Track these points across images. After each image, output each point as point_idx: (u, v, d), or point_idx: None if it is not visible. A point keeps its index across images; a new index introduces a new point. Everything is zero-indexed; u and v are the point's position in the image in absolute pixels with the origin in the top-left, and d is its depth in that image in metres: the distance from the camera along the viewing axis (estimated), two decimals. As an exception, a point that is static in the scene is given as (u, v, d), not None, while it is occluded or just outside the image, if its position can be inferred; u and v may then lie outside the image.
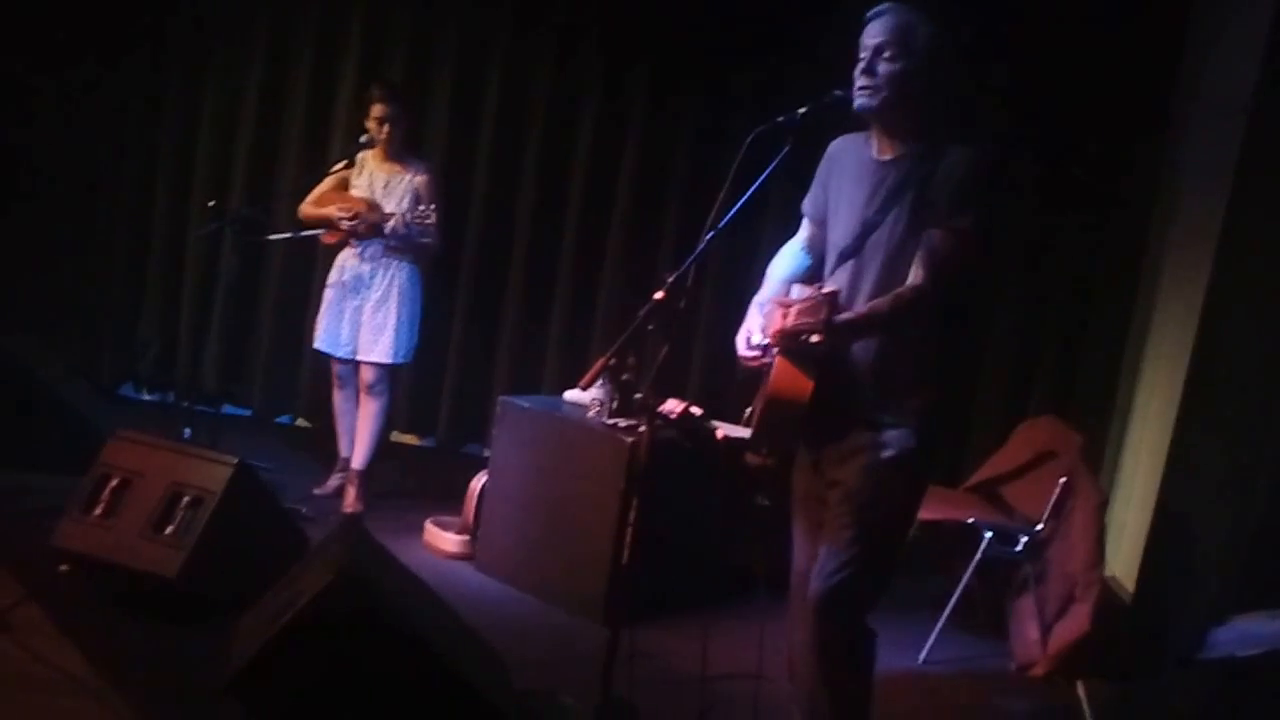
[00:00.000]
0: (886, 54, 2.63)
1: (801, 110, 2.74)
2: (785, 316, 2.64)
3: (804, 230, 3.01)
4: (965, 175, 2.58)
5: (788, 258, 3.01)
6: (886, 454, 2.67)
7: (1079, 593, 4.04)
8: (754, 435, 2.88)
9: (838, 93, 2.74)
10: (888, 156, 2.71)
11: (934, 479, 2.82)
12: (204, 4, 6.05)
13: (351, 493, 4.97)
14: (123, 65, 6.07)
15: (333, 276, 5.02)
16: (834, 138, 2.90)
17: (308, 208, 5.02)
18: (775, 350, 2.67)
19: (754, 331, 2.80)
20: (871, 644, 2.79)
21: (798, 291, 2.79)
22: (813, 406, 2.64)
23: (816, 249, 2.95)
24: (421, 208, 4.78)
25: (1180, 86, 5.28)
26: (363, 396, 5.00)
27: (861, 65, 2.66)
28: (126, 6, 5.96)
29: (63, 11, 5.87)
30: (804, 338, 2.59)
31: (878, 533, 2.69)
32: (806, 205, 2.98)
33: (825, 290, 2.67)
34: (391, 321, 4.90)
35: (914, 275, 2.61)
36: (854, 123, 2.77)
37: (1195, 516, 4.14)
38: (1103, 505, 4.20)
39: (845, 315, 2.64)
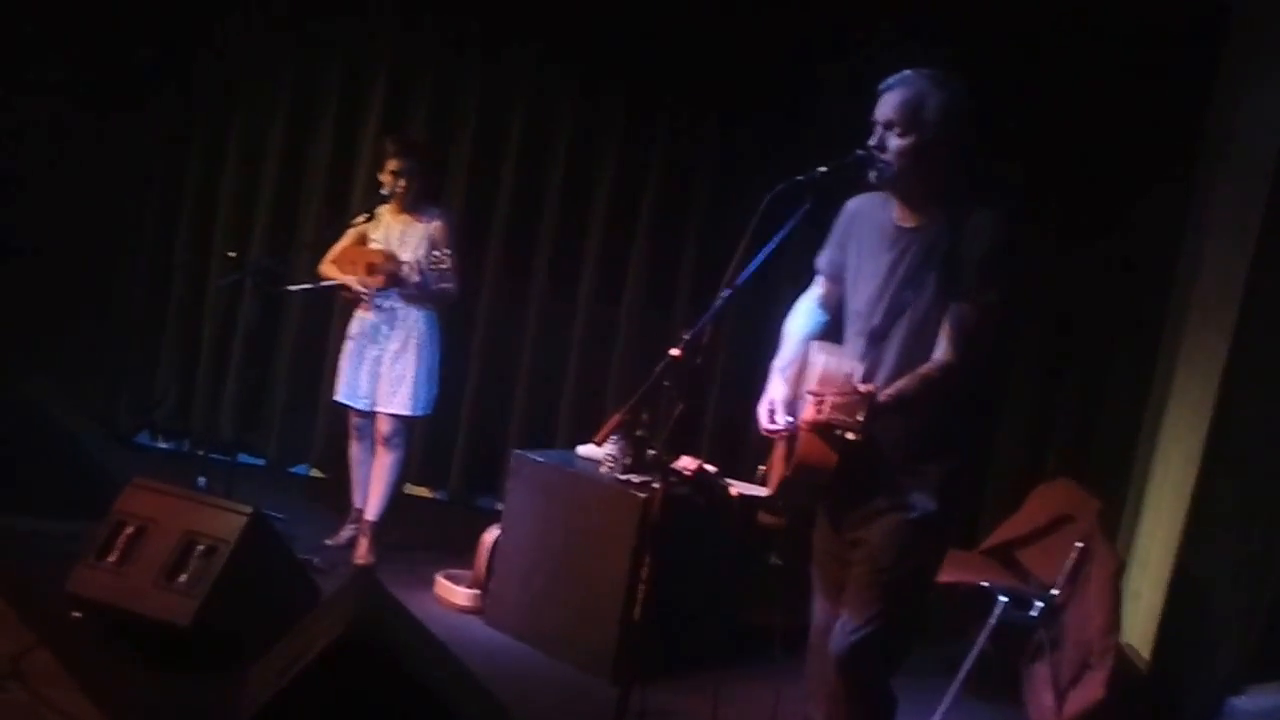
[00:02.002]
0: (897, 130, 2.66)
1: (822, 169, 2.76)
2: (819, 408, 2.55)
3: (819, 286, 3.02)
4: (990, 246, 2.59)
5: (804, 315, 3.01)
6: (909, 515, 2.68)
7: (1094, 660, 3.99)
8: (774, 495, 2.89)
9: (859, 152, 2.76)
10: (909, 224, 2.72)
11: (954, 542, 2.81)
12: (230, 58, 6.14)
13: (364, 544, 4.97)
14: (149, 114, 6.15)
15: (352, 328, 5.05)
16: (854, 196, 2.92)
17: (327, 267, 5.07)
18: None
19: (777, 403, 2.79)
20: (892, 708, 2.76)
21: (823, 360, 2.77)
22: (837, 475, 2.65)
23: (832, 305, 2.97)
24: (435, 253, 4.81)
25: (1204, 146, 5.30)
26: (379, 448, 5.01)
27: (873, 140, 2.69)
28: (155, 58, 6.05)
29: (93, 61, 5.96)
30: (838, 433, 2.55)
31: (900, 592, 2.69)
32: (822, 262, 2.99)
33: (863, 388, 2.55)
34: (410, 373, 4.92)
35: (941, 350, 2.61)
36: (874, 182, 2.79)
37: (1212, 586, 4.11)
38: (1119, 571, 4.17)
39: (876, 400, 2.57)
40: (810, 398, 2.62)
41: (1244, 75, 5.02)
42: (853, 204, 2.92)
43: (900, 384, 2.65)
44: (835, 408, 2.53)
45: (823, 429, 2.61)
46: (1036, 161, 5.45)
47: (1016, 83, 5.36)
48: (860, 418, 2.52)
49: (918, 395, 2.63)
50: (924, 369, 2.63)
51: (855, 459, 2.63)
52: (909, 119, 2.65)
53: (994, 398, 5.37)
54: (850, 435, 2.54)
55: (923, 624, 2.78)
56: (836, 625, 2.73)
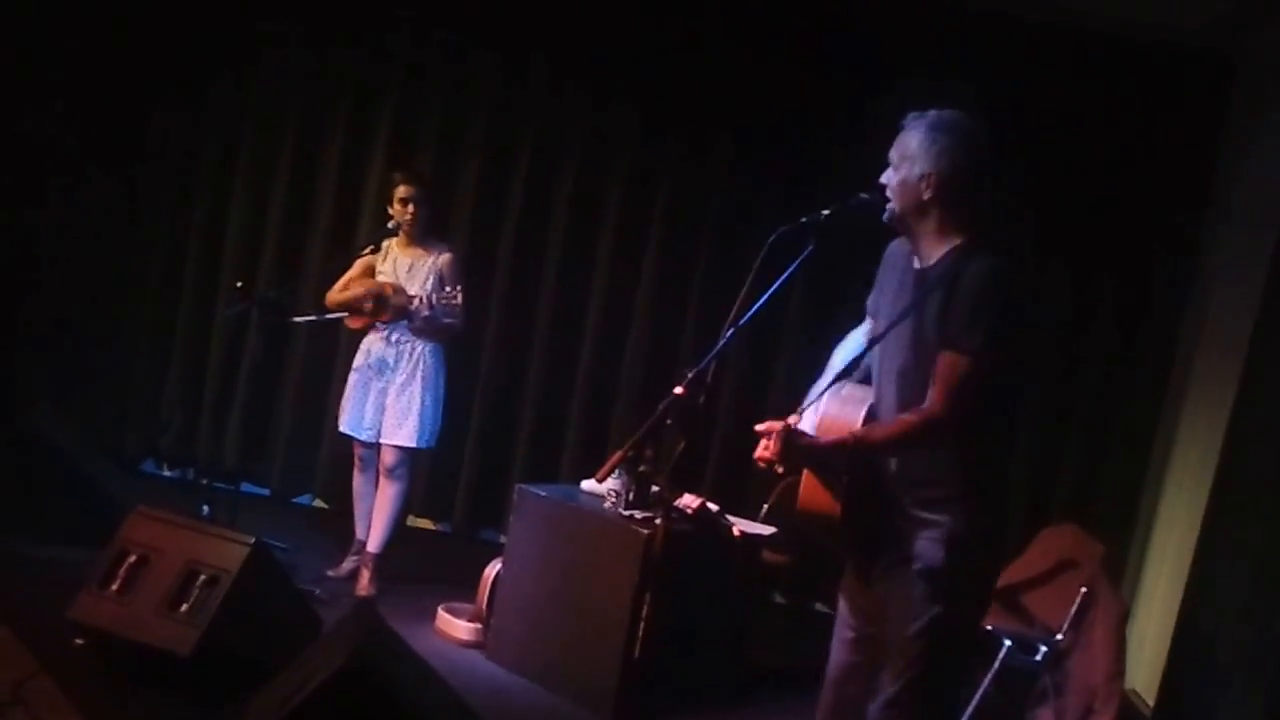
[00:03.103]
0: (892, 167, 2.68)
1: (825, 211, 2.78)
2: (764, 447, 2.59)
3: (868, 322, 3.00)
4: (977, 292, 2.53)
5: (850, 347, 2.99)
6: (915, 566, 2.62)
7: (1099, 706, 3.98)
8: (785, 539, 2.91)
9: (863, 195, 2.79)
10: (921, 267, 2.70)
11: (974, 589, 2.67)
12: (239, 90, 6.19)
13: (365, 575, 4.97)
14: (158, 144, 6.20)
15: (358, 360, 5.07)
16: (858, 239, 2.93)
17: (334, 294, 5.11)
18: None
19: (774, 432, 2.67)
20: None
21: (833, 406, 2.77)
22: (847, 523, 2.65)
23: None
24: (447, 289, 4.84)
25: (1211, 197, 5.33)
26: (382, 479, 5.01)
27: (883, 177, 2.71)
28: (165, 88, 6.11)
29: (103, 91, 6.02)
30: (827, 477, 2.64)
31: (923, 654, 2.62)
32: (868, 302, 2.99)
33: (800, 433, 2.62)
34: (416, 405, 4.94)
35: (928, 398, 2.56)
36: (878, 225, 2.80)
37: (1217, 633, 4.09)
38: (1124, 617, 4.16)
39: (861, 443, 2.63)
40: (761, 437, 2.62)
41: (1248, 130, 5.07)
42: (890, 247, 2.91)
43: (888, 430, 2.63)
44: (775, 451, 2.55)
45: (821, 474, 2.64)
46: (1046, 212, 5.49)
47: (1029, 136, 5.43)
48: (803, 460, 2.60)
49: (902, 441, 2.61)
50: (905, 416, 2.61)
51: (864, 507, 2.63)
52: (900, 156, 2.67)
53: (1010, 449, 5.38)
54: (781, 470, 2.58)
55: (959, 680, 2.72)
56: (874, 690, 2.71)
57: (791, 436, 2.57)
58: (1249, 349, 4.18)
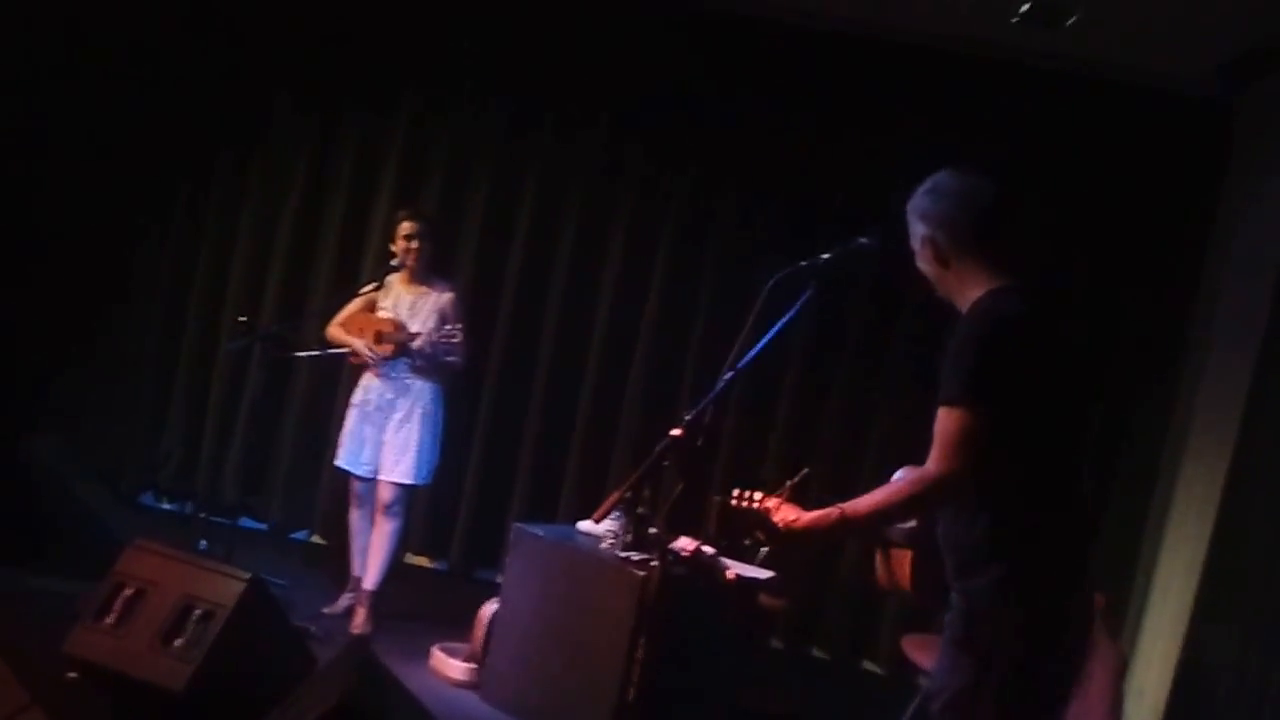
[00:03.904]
0: (912, 244, 2.63)
1: (825, 255, 2.81)
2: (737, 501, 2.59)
3: None
4: (957, 341, 2.44)
5: None
6: (945, 633, 2.51)
7: (1095, 755, 3.95)
8: (782, 583, 2.90)
9: (863, 240, 2.82)
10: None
11: (1005, 662, 2.41)
12: (248, 126, 6.25)
13: (361, 613, 4.95)
14: (164, 177, 6.24)
15: (357, 396, 5.09)
16: (859, 283, 2.93)
17: (334, 330, 5.13)
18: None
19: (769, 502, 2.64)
20: None
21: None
22: (916, 592, 2.64)
23: None
24: (448, 327, 4.86)
25: (1210, 249, 5.36)
26: (378, 516, 5.01)
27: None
28: (173, 123, 6.16)
29: (110, 124, 6.09)
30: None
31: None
32: None
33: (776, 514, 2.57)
34: (414, 442, 4.95)
35: (929, 458, 2.43)
36: (877, 270, 2.82)
37: (1216, 684, 4.07)
38: (1122, 668, 4.13)
39: (848, 516, 2.49)
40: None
41: (1248, 177, 5.11)
42: None
43: (867, 499, 2.50)
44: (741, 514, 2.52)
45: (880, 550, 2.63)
46: (1045, 257, 5.53)
47: (1029, 183, 5.49)
48: (764, 529, 2.52)
49: (886, 508, 2.49)
50: (899, 478, 2.52)
51: (930, 578, 2.58)
52: (911, 232, 2.63)
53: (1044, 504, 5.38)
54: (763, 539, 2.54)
55: None
56: None
57: (770, 520, 2.51)
58: (1247, 399, 4.19)
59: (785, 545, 2.56)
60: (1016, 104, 5.66)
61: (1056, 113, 5.61)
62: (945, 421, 2.38)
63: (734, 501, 2.60)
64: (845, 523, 2.48)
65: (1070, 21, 4.65)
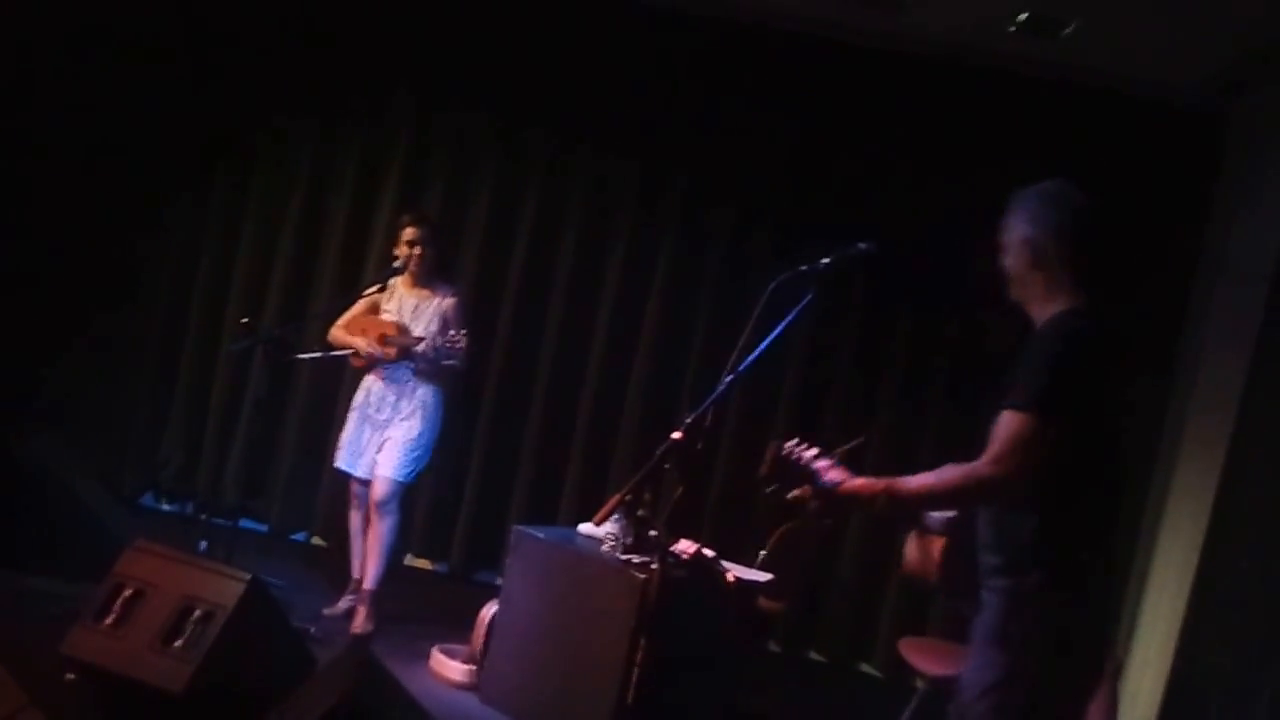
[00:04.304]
0: (1006, 242, 2.70)
1: (825, 260, 2.82)
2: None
3: None
4: (1035, 350, 2.52)
5: None
6: (975, 635, 2.58)
7: (1092, 760, 3.94)
8: (781, 586, 2.93)
9: (861, 245, 2.83)
10: None
11: (1031, 672, 2.48)
12: (251, 128, 6.26)
13: (362, 613, 4.96)
14: (167, 178, 6.25)
15: (358, 398, 5.10)
16: (858, 287, 2.96)
17: (337, 331, 5.14)
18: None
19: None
20: None
21: None
22: (942, 584, 2.70)
23: None
24: (451, 332, 4.87)
25: (1202, 259, 5.38)
26: (372, 515, 5.01)
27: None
28: (177, 124, 6.17)
29: (114, 126, 6.09)
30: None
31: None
32: None
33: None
34: (410, 439, 4.96)
35: (984, 456, 2.49)
36: (877, 274, 2.84)
37: (1210, 687, 4.08)
38: (1117, 672, 4.14)
39: (893, 491, 2.56)
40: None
41: (1240, 187, 5.14)
42: None
43: (915, 479, 2.56)
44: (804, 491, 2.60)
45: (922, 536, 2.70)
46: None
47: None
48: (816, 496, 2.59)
49: (931, 493, 2.56)
50: (951, 467, 2.54)
51: (959, 572, 2.62)
52: (1006, 230, 2.69)
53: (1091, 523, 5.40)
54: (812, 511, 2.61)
55: None
56: None
57: (819, 476, 2.59)
58: (1239, 407, 4.20)
59: (828, 505, 2.63)
60: (1011, 112, 5.70)
61: (1050, 121, 5.65)
62: (1009, 424, 2.44)
63: (790, 451, 2.66)
64: (889, 497, 2.54)
65: (1066, 32, 4.67)
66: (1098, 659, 2.62)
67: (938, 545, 2.79)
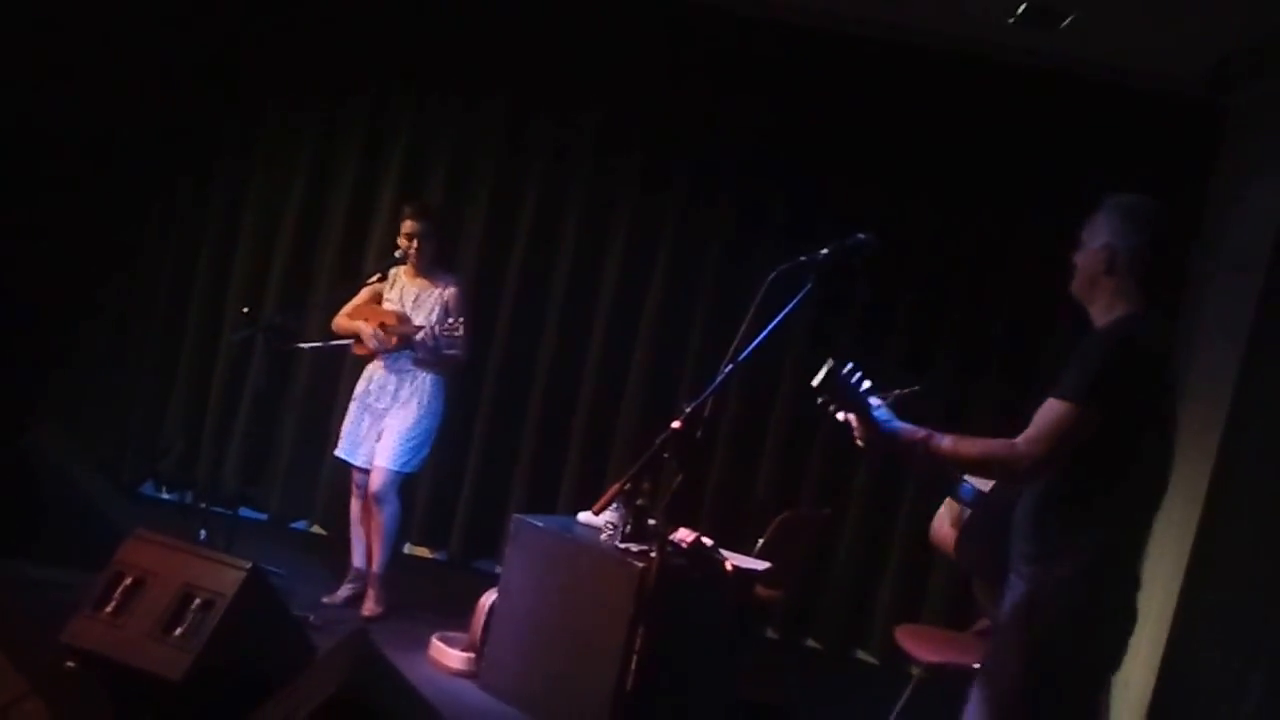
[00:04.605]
0: (1084, 242, 2.79)
1: (824, 251, 2.83)
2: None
3: None
4: (1088, 345, 2.63)
5: None
6: (1007, 616, 2.67)
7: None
8: (778, 574, 3.03)
9: (860, 235, 2.84)
10: None
11: (1048, 661, 2.59)
12: (251, 119, 6.26)
13: (371, 596, 5.01)
14: (168, 167, 6.25)
15: (359, 387, 5.11)
16: (857, 277, 2.99)
17: (341, 319, 5.15)
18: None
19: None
20: None
21: None
22: (959, 553, 2.86)
23: None
24: (450, 320, 4.88)
25: (1197, 251, 5.38)
26: (370, 504, 5.02)
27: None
28: (177, 113, 6.16)
29: (116, 114, 6.09)
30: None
31: (995, 705, 2.65)
32: None
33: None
34: (408, 430, 4.97)
35: (1023, 436, 2.61)
36: (877, 265, 2.86)
37: (1201, 674, 4.10)
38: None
39: (930, 445, 2.69)
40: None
41: (1236, 178, 5.14)
42: None
43: (953, 441, 2.68)
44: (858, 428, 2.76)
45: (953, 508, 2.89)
46: (1033, 257, 5.57)
47: (1018, 180, 5.54)
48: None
49: (964, 457, 2.70)
50: (991, 439, 2.67)
51: (980, 547, 2.76)
52: (1088, 232, 2.78)
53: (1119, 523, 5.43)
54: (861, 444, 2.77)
55: None
56: None
57: (867, 410, 2.73)
58: (1233, 397, 4.21)
59: (869, 439, 2.77)
60: (1008, 103, 5.71)
61: (1048, 112, 5.67)
62: (1051, 411, 2.56)
63: (847, 374, 2.76)
64: (926, 448, 2.69)
65: (1065, 23, 4.69)
66: (1117, 654, 2.70)
67: (960, 515, 2.96)
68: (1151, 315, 2.68)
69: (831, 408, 2.79)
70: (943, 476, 2.94)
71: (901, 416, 2.77)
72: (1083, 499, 2.59)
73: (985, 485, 3.05)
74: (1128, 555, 2.65)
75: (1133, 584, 2.66)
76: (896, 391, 2.88)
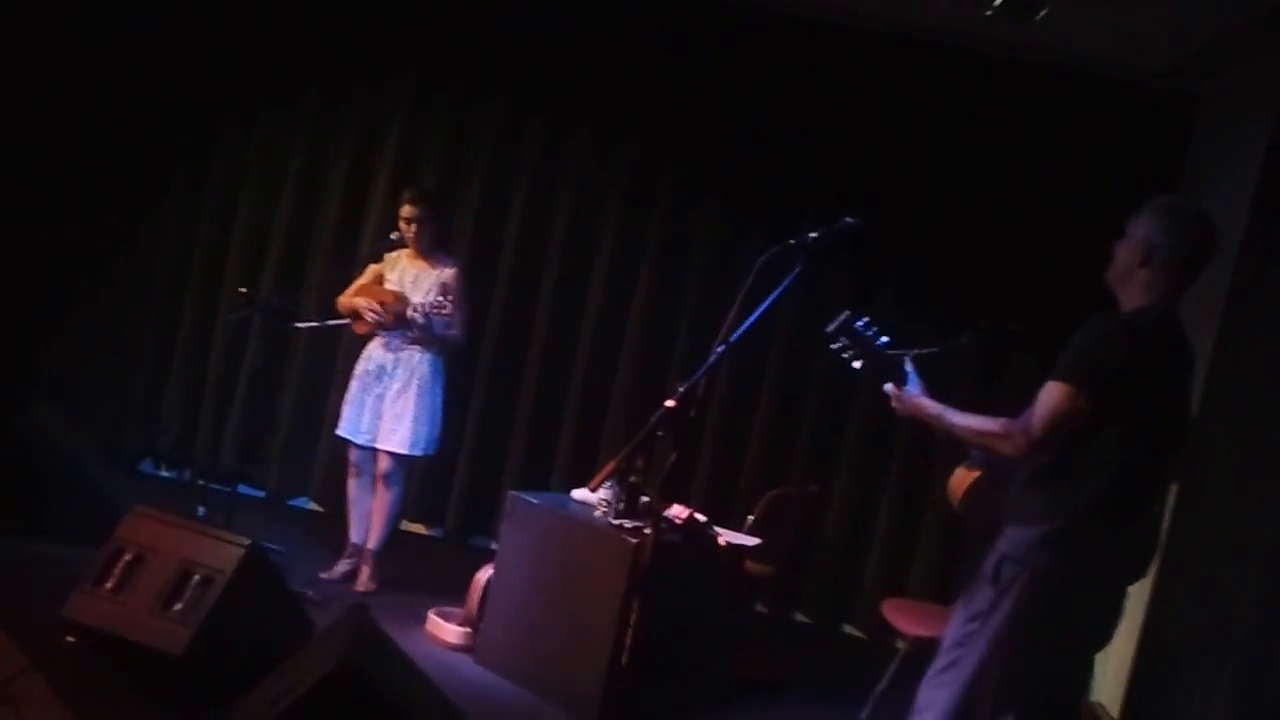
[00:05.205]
0: (1127, 235, 2.91)
1: (813, 234, 2.87)
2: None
3: None
4: (1088, 333, 2.76)
5: None
6: (982, 569, 2.86)
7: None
8: (768, 550, 3.16)
9: (849, 219, 2.88)
10: None
11: (1016, 620, 2.78)
12: (249, 98, 6.25)
13: (366, 572, 5.06)
14: (166, 148, 6.25)
15: (359, 366, 5.14)
16: (846, 261, 3.05)
17: (343, 299, 5.18)
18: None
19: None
20: None
21: None
22: (962, 509, 3.12)
23: None
24: (439, 298, 4.90)
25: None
26: (378, 485, 5.08)
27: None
28: (174, 95, 6.16)
29: (112, 97, 6.09)
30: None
31: (963, 647, 2.86)
32: None
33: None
34: (410, 411, 5.00)
35: (1026, 413, 2.78)
36: (863, 246, 2.91)
37: (1181, 643, 4.15)
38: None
39: (941, 417, 2.94)
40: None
41: (1207, 169, 5.21)
42: None
43: (961, 414, 2.91)
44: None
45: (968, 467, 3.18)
46: (1006, 245, 5.61)
47: (992, 170, 5.67)
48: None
49: (967, 428, 2.88)
50: (996, 418, 2.84)
51: (982, 507, 2.99)
52: (1131, 225, 2.90)
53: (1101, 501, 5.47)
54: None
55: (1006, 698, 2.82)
56: None
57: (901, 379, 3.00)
58: (1204, 384, 4.26)
59: (900, 408, 3.02)
60: (985, 94, 5.76)
61: (1023, 102, 5.71)
62: (1049, 392, 2.73)
63: (864, 325, 3.05)
64: (940, 421, 2.94)
65: (1041, 14, 4.74)
66: (1093, 634, 2.91)
67: (971, 479, 3.18)
68: (1169, 306, 2.82)
69: (847, 354, 3.00)
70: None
71: (920, 373, 3.03)
72: (1054, 470, 2.76)
73: None
74: (1109, 539, 2.77)
75: (1114, 566, 2.81)
76: (915, 351, 3.07)
